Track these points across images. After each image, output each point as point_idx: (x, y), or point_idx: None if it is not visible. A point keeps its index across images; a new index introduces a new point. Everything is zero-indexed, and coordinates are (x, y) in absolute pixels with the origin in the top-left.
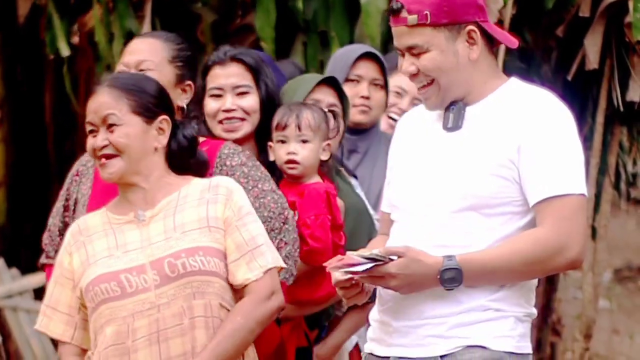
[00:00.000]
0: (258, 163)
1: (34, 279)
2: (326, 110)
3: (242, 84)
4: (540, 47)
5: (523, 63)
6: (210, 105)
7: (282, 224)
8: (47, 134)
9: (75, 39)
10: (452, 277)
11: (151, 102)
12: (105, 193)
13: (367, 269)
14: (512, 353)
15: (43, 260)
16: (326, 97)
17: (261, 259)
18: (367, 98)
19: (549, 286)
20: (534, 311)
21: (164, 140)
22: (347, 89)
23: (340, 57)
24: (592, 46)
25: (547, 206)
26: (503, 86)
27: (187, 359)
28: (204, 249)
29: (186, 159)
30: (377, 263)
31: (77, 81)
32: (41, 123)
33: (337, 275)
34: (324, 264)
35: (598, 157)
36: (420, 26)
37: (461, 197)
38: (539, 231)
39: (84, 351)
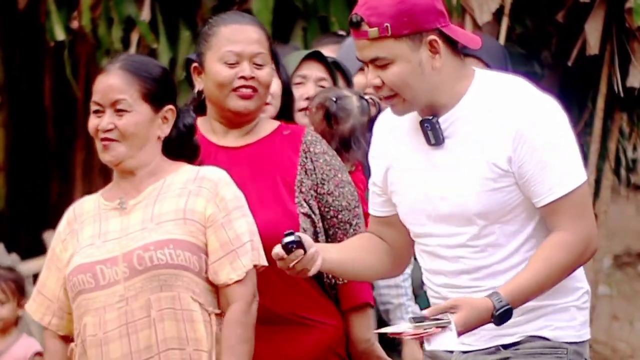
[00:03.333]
0: (335, 152)
1: (34, 265)
2: (316, 85)
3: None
4: (541, 33)
5: (523, 49)
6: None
7: (354, 217)
8: (46, 119)
9: (75, 24)
10: (505, 317)
11: (160, 90)
12: None
13: (433, 333)
14: (573, 343)
15: None
16: (313, 71)
17: (245, 258)
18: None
19: None
20: (587, 285)
21: (167, 129)
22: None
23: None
24: (593, 32)
25: (559, 206)
26: (471, 86)
27: (154, 351)
28: (174, 242)
29: (182, 147)
30: (441, 325)
31: (77, 66)
32: (41, 108)
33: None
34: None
35: (598, 142)
36: (382, 39)
37: (482, 216)
38: (562, 235)
39: (63, 338)
